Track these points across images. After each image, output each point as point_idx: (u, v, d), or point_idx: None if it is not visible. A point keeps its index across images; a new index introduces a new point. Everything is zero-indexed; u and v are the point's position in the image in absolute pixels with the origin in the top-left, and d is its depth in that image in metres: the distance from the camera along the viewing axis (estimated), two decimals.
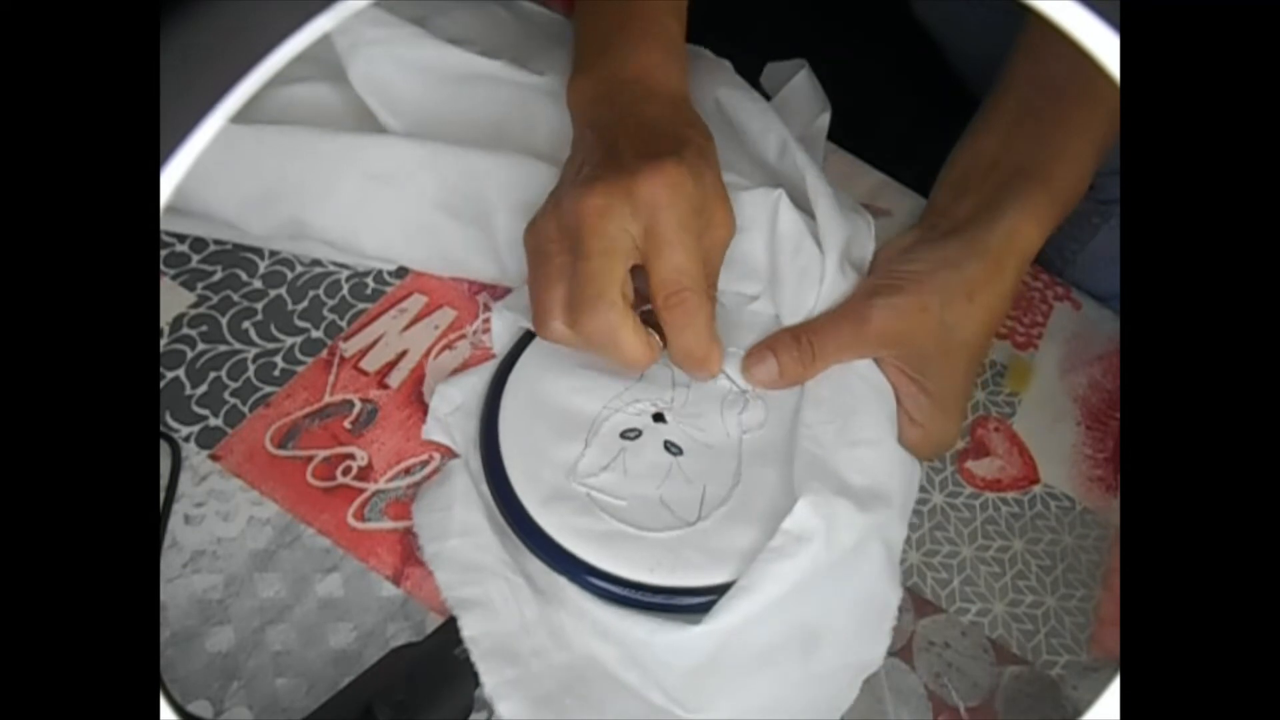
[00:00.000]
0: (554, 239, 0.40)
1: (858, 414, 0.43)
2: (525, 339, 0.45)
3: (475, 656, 0.35)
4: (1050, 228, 0.44)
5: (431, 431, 0.43)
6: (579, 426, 0.43)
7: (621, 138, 0.41)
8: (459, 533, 0.39)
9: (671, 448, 0.43)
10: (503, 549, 0.39)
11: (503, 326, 0.47)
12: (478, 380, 0.44)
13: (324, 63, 0.49)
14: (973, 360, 0.44)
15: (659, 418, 0.43)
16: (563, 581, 0.39)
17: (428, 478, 0.43)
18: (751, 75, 0.56)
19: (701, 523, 0.40)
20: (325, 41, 0.49)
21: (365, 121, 0.50)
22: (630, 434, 0.43)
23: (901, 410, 0.44)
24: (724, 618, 0.37)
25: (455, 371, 0.46)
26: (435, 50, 0.49)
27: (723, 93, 0.52)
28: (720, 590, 0.38)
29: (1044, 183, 0.44)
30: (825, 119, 0.56)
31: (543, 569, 0.39)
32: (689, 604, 0.39)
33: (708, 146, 0.42)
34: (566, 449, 0.42)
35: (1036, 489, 0.47)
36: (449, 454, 0.43)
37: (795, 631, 0.38)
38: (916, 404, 0.43)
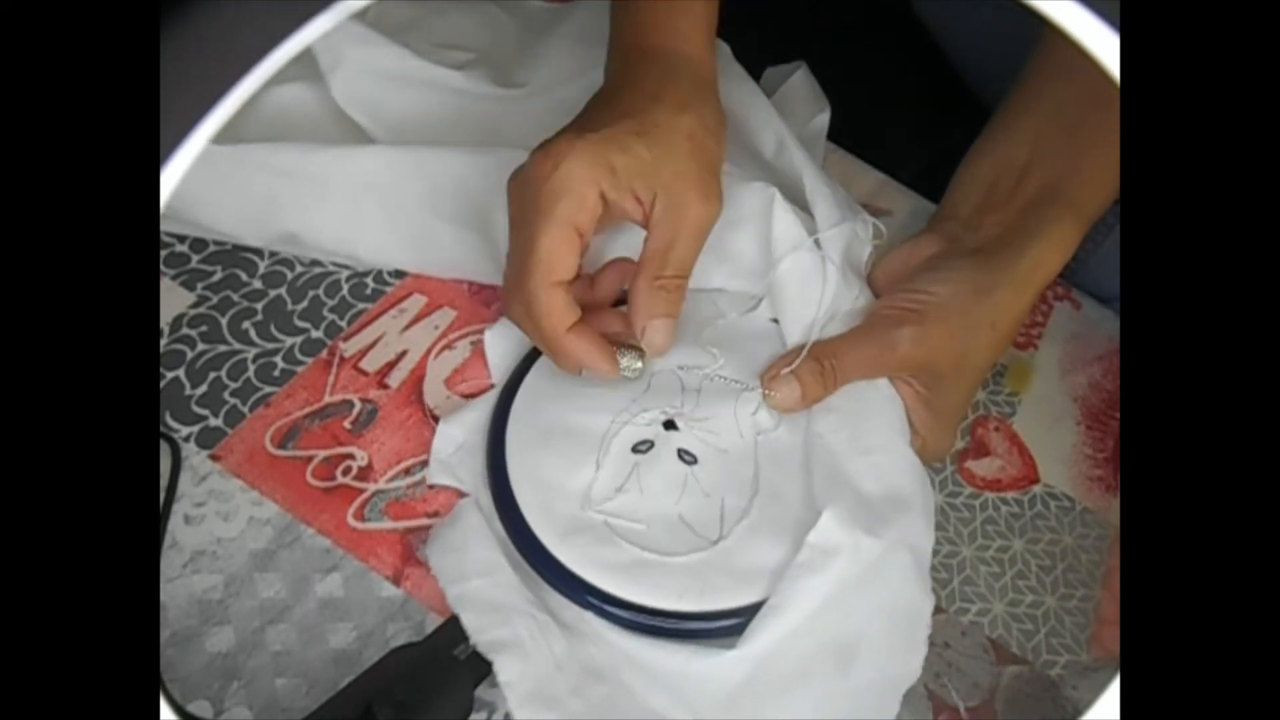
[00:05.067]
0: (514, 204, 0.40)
1: (869, 420, 0.42)
2: (523, 366, 0.45)
3: (513, 703, 0.35)
4: (1072, 252, 0.44)
5: (436, 475, 0.42)
6: (588, 448, 0.42)
7: (583, 112, 0.41)
8: (478, 573, 0.38)
9: (686, 456, 0.42)
10: (524, 586, 0.38)
11: (498, 355, 0.46)
12: (478, 415, 0.44)
13: (313, 63, 0.49)
14: (980, 378, 0.44)
15: (670, 425, 0.43)
16: (590, 615, 0.38)
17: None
18: (751, 75, 0.55)
19: (724, 541, 0.40)
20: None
21: (354, 127, 0.49)
22: (642, 446, 0.42)
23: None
24: (757, 640, 0.37)
25: (452, 378, 0.46)
26: (417, 67, 0.49)
27: (720, 83, 0.52)
28: (750, 611, 0.38)
29: (1072, 207, 0.44)
30: (824, 118, 0.56)
31: (567, 604, 0.39)
32: (720, 627, 0.38)
33: (667, 123, 0.39)
34: (578, 475, 0.41)
35: (1036, 489, 0.47)
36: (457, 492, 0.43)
37: (829, 647, 0.38)
38: (920, 417, 0.43)
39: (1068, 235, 0.44)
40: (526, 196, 0.38)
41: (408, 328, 0.47)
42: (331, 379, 0.45)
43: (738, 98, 0.52)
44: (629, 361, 0.42)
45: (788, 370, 0.42)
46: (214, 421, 0.43)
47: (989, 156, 0.47)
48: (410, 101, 0.49)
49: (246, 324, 0.46)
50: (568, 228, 0.38)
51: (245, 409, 0.43)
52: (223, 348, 0.45)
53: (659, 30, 0.43)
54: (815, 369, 0.42)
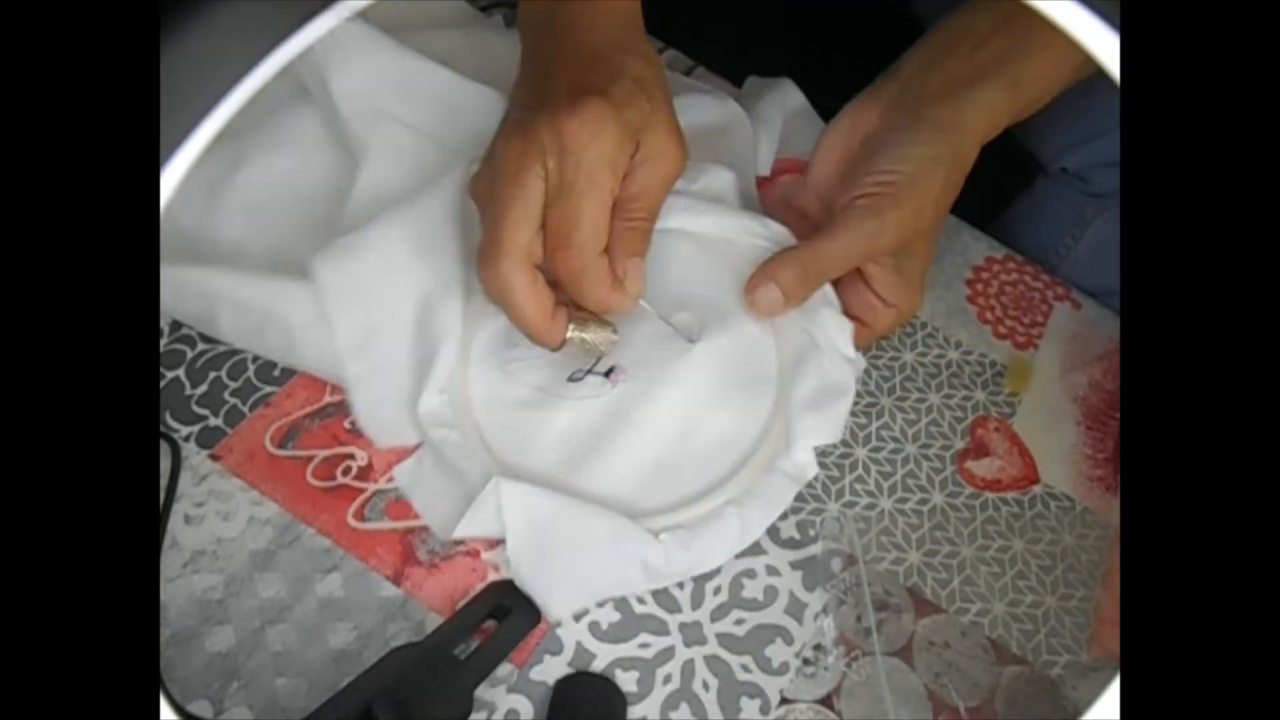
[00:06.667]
0: (485, 193, 0.40)
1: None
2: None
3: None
4: (1001, 124, 0.45)
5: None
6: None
7: (555, 70, 0.40)
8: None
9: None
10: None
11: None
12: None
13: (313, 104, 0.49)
14: (936, 237, 0.46)
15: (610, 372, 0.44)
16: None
17: None
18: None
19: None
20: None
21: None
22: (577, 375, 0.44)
23: (873, 295, 0.45)
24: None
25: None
26: (419, 66, 0.49)
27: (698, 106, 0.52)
28: None
29: (1011, 86, 0.44)
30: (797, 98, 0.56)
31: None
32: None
33: (648, 74, 0.40)
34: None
35: (1036, 489, 0.47)
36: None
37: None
38: (889, 287, 0.44)
39: (1000, 108, 0.44)
40: (565, 166, 0.37)
41: None
42: None
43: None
44: (597, 335, 0.42)
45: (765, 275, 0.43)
46: (214, 421, 0.43)
47: (950, 25, 0.47)
48: (413, 105, 0.49)
49: None
50: (609, 196, 0.38)
51: (245, 409, 0.43)
52: (223, 347, 0.45)
53: None
54: (797, 273, 0.42)
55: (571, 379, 0.43)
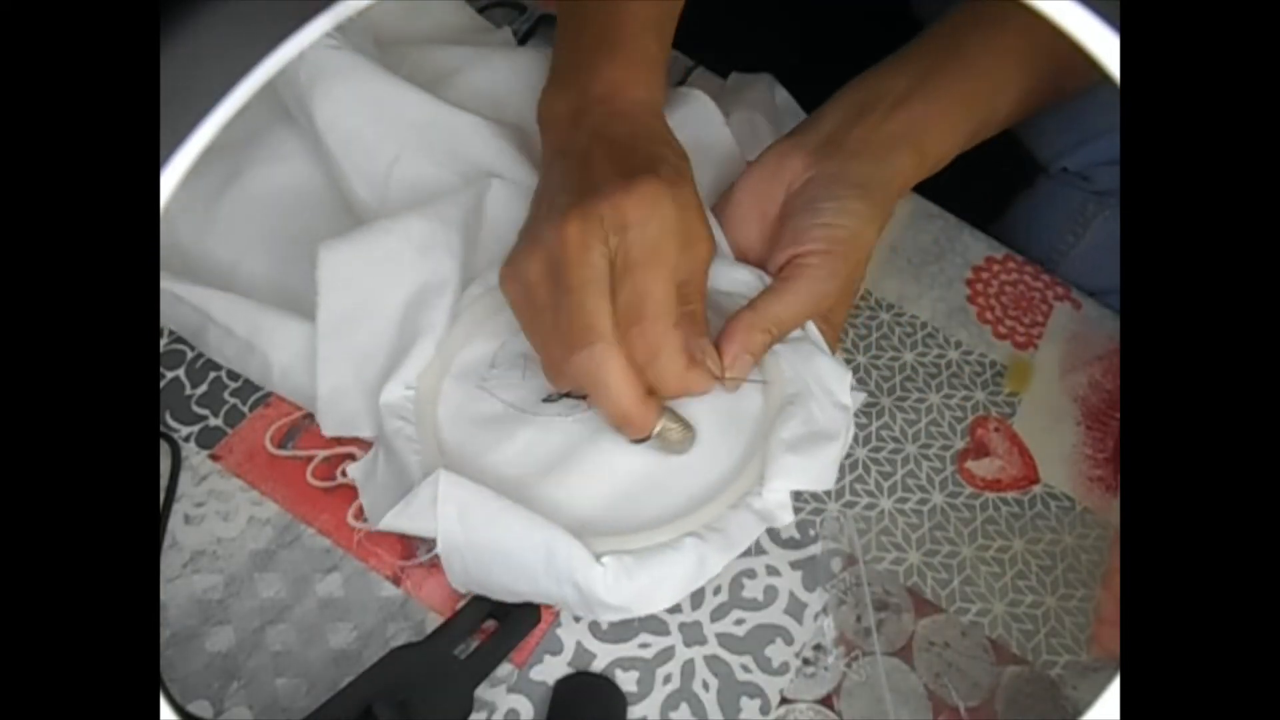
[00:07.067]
0: (540, 281, 0.38)
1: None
2: None
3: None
4: (910, 188, 0.47)
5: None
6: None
7: (594, 160, 0.40)
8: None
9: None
10: None
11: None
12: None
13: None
14: (856, 289, 0.48)
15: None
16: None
17: None
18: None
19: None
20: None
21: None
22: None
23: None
24: None
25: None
26: (404, 94, 0.48)
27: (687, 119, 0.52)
28: None
29: (921, 155, 0.45)
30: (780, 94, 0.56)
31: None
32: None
33: (682, 164, 0.42)
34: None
35: (1036, 489, 0.47)
36: None
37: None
38: (821, 337, 0.44)
39: (911, 176, 0.46)
40: (628, 243, 0.37)
41: None
42: None
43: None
44: (679, 432, 0.41)
45: (739, 350, 0.42)
46: (214, 421, 0.43)
47: (869, 82, 0.47)
48: (402, 141, 0.48)
49: None
50: (674, 271, 0.38)
51: (245, 409, 0.43)
52: None
53: (626, 85, 0.44)
54: (765, 340, 0.42)
55: (546, 399, 0.43)
